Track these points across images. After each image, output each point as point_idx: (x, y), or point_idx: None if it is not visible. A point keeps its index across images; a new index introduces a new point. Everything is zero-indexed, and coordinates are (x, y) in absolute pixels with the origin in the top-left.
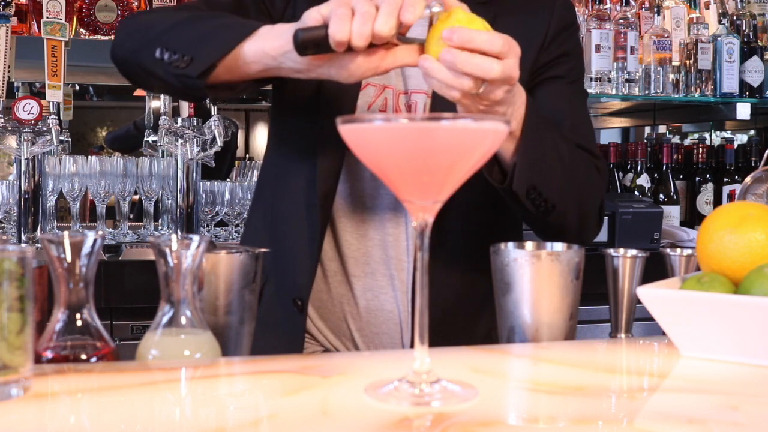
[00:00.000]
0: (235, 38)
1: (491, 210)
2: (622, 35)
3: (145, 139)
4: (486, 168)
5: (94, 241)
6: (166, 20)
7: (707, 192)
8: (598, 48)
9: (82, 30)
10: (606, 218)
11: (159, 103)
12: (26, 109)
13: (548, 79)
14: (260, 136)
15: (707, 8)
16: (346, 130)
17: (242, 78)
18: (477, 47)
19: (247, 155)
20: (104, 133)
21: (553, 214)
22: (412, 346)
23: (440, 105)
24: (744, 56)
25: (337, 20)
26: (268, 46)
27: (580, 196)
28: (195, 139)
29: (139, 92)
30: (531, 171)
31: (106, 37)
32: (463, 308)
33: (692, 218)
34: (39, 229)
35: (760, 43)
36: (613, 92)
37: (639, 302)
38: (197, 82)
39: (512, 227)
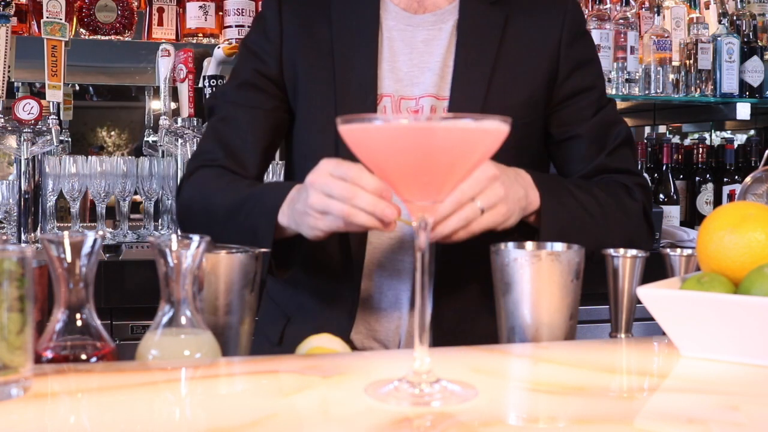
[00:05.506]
0: (267, 234)
1: None
2: (622, 35)
3: (145, 139)
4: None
5: (94, 241)
6: (207, 222)
7: (707, 192)
8: (598, 48)
9: (82, 30)
10: None
11: (159, 103)
12: (26, 109)
13: (576, 95)
14: None
15: (707, 8)
16: (346, 130)
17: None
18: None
19: None
20: (104, 133)
21: (595, 259)
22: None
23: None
24: (744, 56)
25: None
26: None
27: (620, 233)
28: (195, 139)
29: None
30: (560, 238)
31: (106, 37)
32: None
33: (692, 218)
34: (39, 229)
35: (760, 43)
36: (613, 92)
37: (639, 302)
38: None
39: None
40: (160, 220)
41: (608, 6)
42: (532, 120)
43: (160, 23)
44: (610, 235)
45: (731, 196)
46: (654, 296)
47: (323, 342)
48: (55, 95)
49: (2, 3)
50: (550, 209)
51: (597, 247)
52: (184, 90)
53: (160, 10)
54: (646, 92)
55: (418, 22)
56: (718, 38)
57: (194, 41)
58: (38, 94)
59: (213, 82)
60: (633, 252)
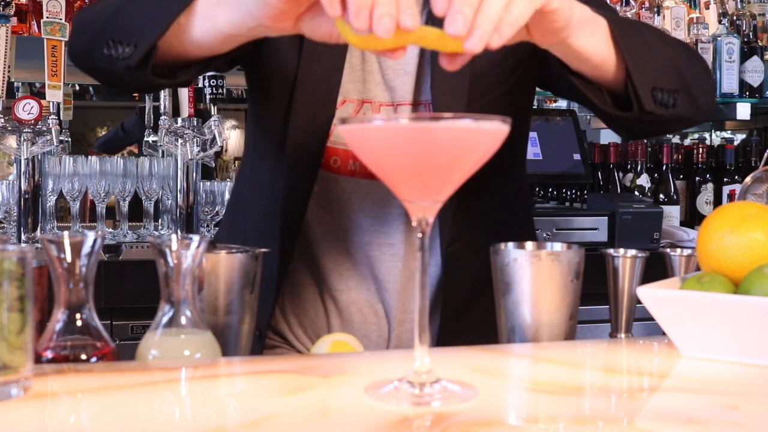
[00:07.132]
0: (172, 12)
1: (507, 197)
2: None
3: (146, 139)
4: (601, 101)
5: (94, 241)
6: (111, 5)
7: (707, 192)
8: None
9: None
10: (606, 218)
11: (159, 103)
12: (26, 109)
13: None
14: None
15: (707, 8)
16: (346, 131)
17: (201, 57)
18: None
19: None
20: (104, 133)
21: (678, 104)
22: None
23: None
24: (744, 56)
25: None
26: (223, 23)
27: (692, 72)
28: (195, 139)
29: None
30: (647, 72)
31: None
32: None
33: (692, 218)
34: (39, 229)
35: (760, 43)
36: None
37: (639, 302)
38: (142, 72)
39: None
40: (160, 220)
41: None
42: (521, 98)
43: None
44: (677, 52)
45: (731, 196)
46: (654, 296)
47: (344, 338)
48: (55, 95)
49: (2, 3)
50: (605, 15)
51: (666, 61)
52: (184, 90)
53: None
54: None
55: None
56: (718, 38)
57: None
58: (38, 94)
59: (213, 82)
60: (633, 252)
